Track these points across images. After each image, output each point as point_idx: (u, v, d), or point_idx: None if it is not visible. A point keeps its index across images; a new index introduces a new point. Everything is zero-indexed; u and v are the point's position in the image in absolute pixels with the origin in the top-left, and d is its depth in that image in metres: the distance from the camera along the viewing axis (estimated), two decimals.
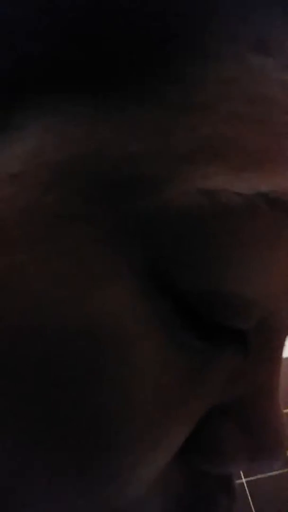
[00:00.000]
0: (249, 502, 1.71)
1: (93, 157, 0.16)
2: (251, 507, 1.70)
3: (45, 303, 0.15)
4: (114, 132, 0.16)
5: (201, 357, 0.17)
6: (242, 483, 1.73)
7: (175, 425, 0.16)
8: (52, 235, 0.16)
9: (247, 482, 1.73)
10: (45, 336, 0.15)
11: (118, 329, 0.15)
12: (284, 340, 0.19)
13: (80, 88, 0.17)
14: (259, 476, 1.73)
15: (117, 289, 0.16)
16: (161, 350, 0.16)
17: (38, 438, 0.15)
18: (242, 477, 1.74)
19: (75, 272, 0.15)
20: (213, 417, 0.18)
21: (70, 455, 0.15)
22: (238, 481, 1.72)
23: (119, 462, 0.15)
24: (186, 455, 0.18)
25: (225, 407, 0.18)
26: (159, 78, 0.17)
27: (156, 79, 0.17)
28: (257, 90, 0.17)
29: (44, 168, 0.16)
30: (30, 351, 0.15)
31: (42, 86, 0.17)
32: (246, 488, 1.73)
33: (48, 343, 0.15)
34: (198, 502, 0.19)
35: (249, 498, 1.71)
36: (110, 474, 0.15)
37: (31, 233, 0.16)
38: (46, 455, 0.15)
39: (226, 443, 0.18)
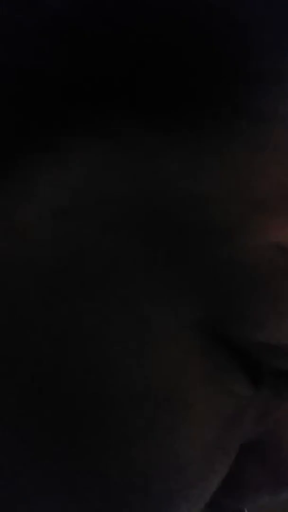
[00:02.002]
0: None
1: (158, 195, 0.15)
2: None
3: (103, 360, 0.15)
4: (182, 168, 0.15)
5: (245, 402, 0.17)
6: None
7: (217, 472, 0.17)
8: (110, 284, 0.15)
9: None
10: (103, 393, 0.15)
11: (174, 387, 0.15)
12: None
13: (145, 114, 0.15)
14: None
15: (175, 346, 0.15)
16: (214, 404, 0.16)
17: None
18: None
19: (134, 329, 0.15)
20: (239, 456, 0.18)
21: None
22: None
23: None
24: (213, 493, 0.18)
25: (249, 444, 0.18)
26: (237, 111, 0.15)
27: (233, 113, 0.15)
28: None
29: (98, 203, 0.15)
30: (90, 406, 0.15)
31: (101, 104, 0.15)
32: None
33: (107, 400, 0.15)
34: None
35: None
36: None
37: (81, 282, 0.15)
38: None
39: (249, 480, 0.18)
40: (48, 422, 0.15)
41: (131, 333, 0.15)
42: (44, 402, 0.15)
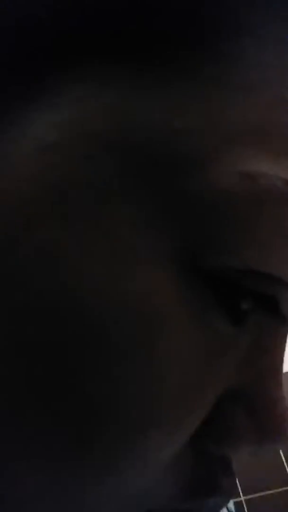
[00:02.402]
0: None
1: (132, 130, 0.16)
2: None
3: (83, 278, 0.15)
4: (157, 105, 0.16)
5: (224, 341, 0.17)
6: (241, 501, 1.70)
7: (195, 407, 0.16)
8: (89, 213, 0.15)
9: (245, 500, 1.71)
10: (82, 312, 0.15)
11: (151, 310, 0.15)
12: None
13: (123, 57, 0.16)
14: (258, 494, 1.70)
15: (153, 271, 0.15)
16: (190, 333, 0.16)
17: (58, 420, 0.15)
18: (241, 495, 1.71)
19: (113, 252, 0.15)
20: (222, 402, 0.18)
21: (94, 439, 0.15)
22: (237, 500, 1.70)
23: (144, 445, 0.15)
24: (196, 438, 0.18)
25: (233, 392, 0.18)
26: (207, 55, 0.16)
27: (203, 56, 0.16)
28: None
29: (81, 139, 0.16)
30: (66, 325, 0.15)
31: (82, 50, 0.16)
32: (244, 506, 1.70)
33: (85, 319, 0.15)
34: (203, 483, 0.19)
35: None
36: (133, 457, 0.15)
37: (65, 210, 0.15)
38: (61, 439, 0.15)
39: (234, 427, 0.18)
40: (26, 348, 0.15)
41: (111, 254, 0.15)
42: (21, 332, 0.15)
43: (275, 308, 0.18)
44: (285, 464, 1.73)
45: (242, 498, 1.72)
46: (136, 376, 0.15)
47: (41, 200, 0.15)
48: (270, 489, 1.69)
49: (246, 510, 1.70)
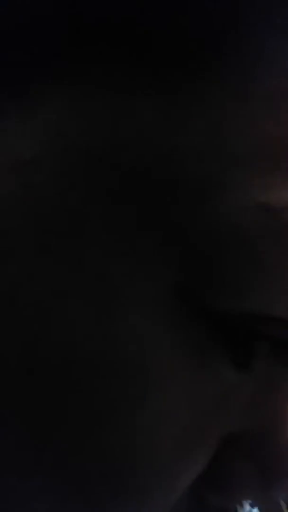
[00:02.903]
0: None
1: (125, 148, 0.13)
2: None
3: (61, 323, 0.13)
4: (154, 117, 0.13)
5: (227, 386, 0.15)
6: None
7: (195, 461, 0.15)
8: (70, 245, 0.13)
9: None
10: (61, 365, 0.13)
11: (143, 360, 0.13)
12: None
13: (116, 58, 0.13)
14: None
15: (144, 315, 0.13)
16: (188, 380, 0.14)
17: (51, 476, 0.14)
18: None
19: (98, 292, 0.13)
20: (222, 449, 0.16)
21: (87, 498, 0.14)
22: None
23: (139, 498, 0.14)
24: (194, 488, 0.17)
25: (236, 438, 0.17)
26: (219, 55, 0.13)
27: (215, 56, 0.13)
28: None
29: (65, 156, 0.13)
30: (45, 379, 0.13)
31: (72, 50, 0.14)
32: None
33: (66, 372, 0.13)
34: None
35: None
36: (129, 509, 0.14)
37: (42, 240, 0.13)
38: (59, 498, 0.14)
39: (236, 475, 0.17)
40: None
41: (95, 298, 0.13)
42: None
43: (285, 352, 0.16)
44: None
45: None
46: (128, 429, 0.14)
47: (16, 227, 0.13)
48: None
49: None
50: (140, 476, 0.14)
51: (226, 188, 0.13)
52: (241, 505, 0.18)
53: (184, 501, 0.17)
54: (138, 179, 0.13)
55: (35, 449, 0.14)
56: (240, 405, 0.16)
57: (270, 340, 0.15)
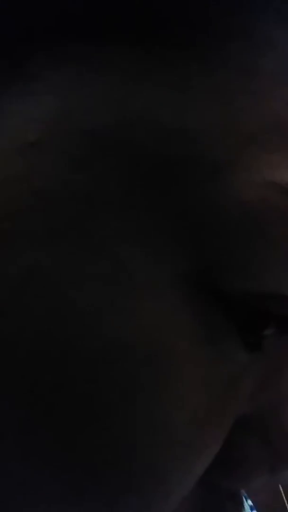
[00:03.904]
0: None
1: (136, 127, 0.13)
2: None
3: (75, 314, 0.13)
4: (164, 96, 0.13)
5: (239, 369, 0.15)
6: None
7: (209, 446, 0.15)
8: (81, 229, 0.13)
9: None
10: (78, 352, 0.13)
11: (159, 345, 0.13)
12: None
13: (119, 36, 0.13)
14: None
15: (159, 299, 0.13)
16: (203, 367, 0.14)
17: (64, 467, 0.13)
18: None
19: (110, 278, 0.13)
20: (233, 432, 0.16)
21: (102, 485, 0.13)
22: None
23: (153, 493, 0.14)
24: (205, 473, 0.16)
25: (245, 420, 0.16)
26: (229, 32, 0.13)
27: (225, 34, 0.13)
28: None
29: (71, 137, 0.13)
30: (63, 367, 0.13)
31: (69, 25, 0.13)
32: None
33: (82, 359, 0.13)
34: (210, 510, 0.18)
35: None
36: (141, 506, 0.14)
37: (51, 224, 0.13)
38: (75, 481, 0.13)
39: (247, 458, 0.17)
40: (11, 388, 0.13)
41: (107, 282, 0.13)
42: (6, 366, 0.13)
43: None
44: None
45: None
46: (145, 415, 0.13)
47: (25, 211, 0.13)
48: None
49: None
50: (159, 459, 0.13)
51: (235, 165, 0.13)
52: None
53: (196, 486, 0.16)
54: (147, 159, 0.13)
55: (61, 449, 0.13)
56: (250, 386, 0.16)
57: (279, 320, 0.15)
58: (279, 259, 0.13)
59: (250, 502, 0.31)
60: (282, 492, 1.34)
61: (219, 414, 0.15)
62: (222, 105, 0.13)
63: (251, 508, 0.31)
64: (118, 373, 0.13)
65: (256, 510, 0.33)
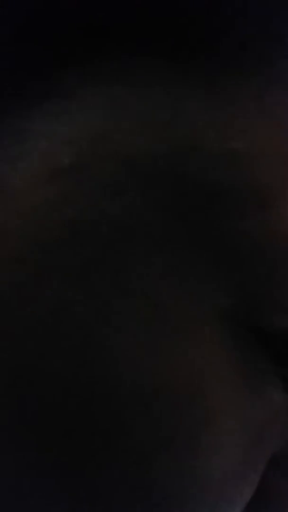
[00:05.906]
0: None
1: (180, 152, 0.12)
2: None
3: (105, 355, 0.12)
4: (211, 118, 0.12)
5: (276, 410, 0.14)
6: None
7: (244, 497, 0.14)
8: (116, 264, 0.12)
9: None
10: (106, 396, 0.12)
11: (197, 390, 0.12)
12: None
13: (157, 51, 0.12)
14: None
15: (197, 340, 0.12)
16: (242, 411, 0.13)
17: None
18: None
19: (146, 318, 0.12)
20: (266, 473, 0.15)
21: None
22: None
23: None
24: None
25: (277, 460, 0.16)
26: (281, 46, 0.12)
27: (275, 49, 0.12)
28: None
29: (108, 162, 0.12)
30: (98, 411, 0.12)
31: (103, 42, 0.12)
32: None
33: (111, 405, 0.12)
34: None
35: None
36: None
37: (85, 258, 0.12)
38: None
39: (275, 498, 0.16)
40: (33, 434, 0.12)
41: (141, 322, 0.12)
42: (26, 404, 0.12)
43: None
44: None
45: None
46: (178, 468, 0.12)
47: (54, 242, 0.12)
48: None
49: None
50: (197, 505, 0.13)
51: (285, 195, 0.12)
52: None
53: None
54: (191, 189, 0.12)
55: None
56: (283, 426, 0.15)
57: None
58: None
59: None
60: None
61: (256, 458, 0.14)
62: (272, 130, 0.12)
63: None
64: (153, 421, 0.12)
65: None
